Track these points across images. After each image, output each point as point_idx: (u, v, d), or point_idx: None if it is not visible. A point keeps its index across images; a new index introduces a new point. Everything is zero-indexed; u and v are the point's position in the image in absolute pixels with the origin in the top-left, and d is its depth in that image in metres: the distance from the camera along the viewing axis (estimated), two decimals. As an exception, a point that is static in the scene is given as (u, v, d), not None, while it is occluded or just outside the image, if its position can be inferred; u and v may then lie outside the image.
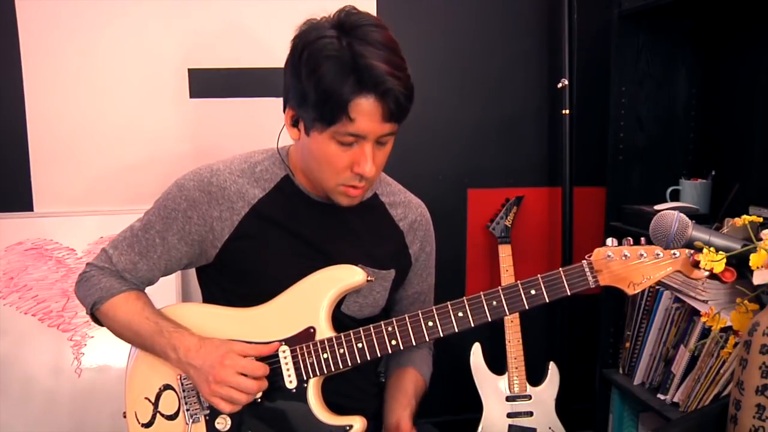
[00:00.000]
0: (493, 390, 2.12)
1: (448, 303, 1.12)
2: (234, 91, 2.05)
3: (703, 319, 1.36)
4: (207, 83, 2.06)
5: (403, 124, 2.23)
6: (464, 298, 1.11)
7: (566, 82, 2.14)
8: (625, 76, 1.96)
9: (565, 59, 2.15)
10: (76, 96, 2.00)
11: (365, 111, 1.04)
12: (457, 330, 1.11)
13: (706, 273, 1.04)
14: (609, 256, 1.07)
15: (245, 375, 1.09)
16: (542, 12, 2.24)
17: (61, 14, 1.95)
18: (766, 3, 1.69)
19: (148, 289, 1.28)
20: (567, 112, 2.16)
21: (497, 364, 2.15)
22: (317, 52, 1.04)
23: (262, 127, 2.05)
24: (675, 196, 1.94)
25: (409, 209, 1.31)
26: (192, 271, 1.31)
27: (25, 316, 1.95)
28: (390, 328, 1.13)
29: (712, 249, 1.01)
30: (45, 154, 2.01)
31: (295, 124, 1.14)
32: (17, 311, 1.95)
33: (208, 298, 1.28)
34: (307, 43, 1.06)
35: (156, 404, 1.18)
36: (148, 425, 1.18)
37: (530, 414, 2.10)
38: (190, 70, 2.05)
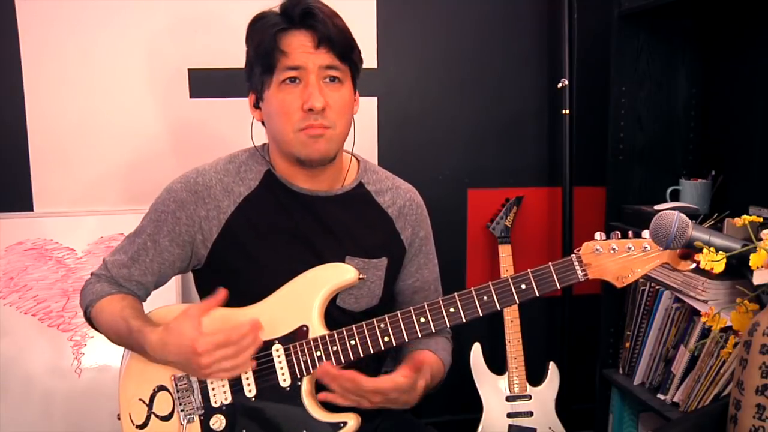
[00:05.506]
0: (493, 390, 2.12)
1: (440, 299, 1.13)
2: (234, 91, 2.05)
3: (703, 319, 1.36)
4: (207, 83, 2.05)
5: (404, 121, 2.21)
6: (455, 293, 1.12)
7: (566, 82, 2.14)
8: (625, 76, 1.96)
9: (565, 59, 2.15)
10: (75, 96, 2.00)
11: (295, 42, 1.12)
12: (448, 326, 1.13)
13: (693, 265, 1.06)
14: (597, 249, 1.10)
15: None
16: (542, 12, 2.24)
17: (61, 14, 1.95)
18: (766, 3, 1.69)
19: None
20: (567, 112, 2.16)
21: (497, 364, 2.14)
22: (254, 21, 1.18)
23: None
24: (675, 196, 1.93)
25: (397, 195, 1.31)
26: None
27: (25, 316, 1.95)
28: (382, 325, 1.14)
29: (712, 249, 1.01)
30: (45, 154, 2.01)
31: (256, 105, 1.21)
32: (17, 311, 1.95)
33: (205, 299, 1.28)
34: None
35: (150, 405, 1.18)
36: (142, 426, 1.18)
37: (530, 414, 2.10)
38: (190, 70, 2.04)
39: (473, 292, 1.11)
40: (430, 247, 1.37)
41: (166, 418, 1.17)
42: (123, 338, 1.19)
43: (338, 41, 1.13)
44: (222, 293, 1.11)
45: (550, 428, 2.10)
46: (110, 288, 1.23)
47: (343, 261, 1.22)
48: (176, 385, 1.17)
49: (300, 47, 1.12)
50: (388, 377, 1.11)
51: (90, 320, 1.26)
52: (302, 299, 1.17)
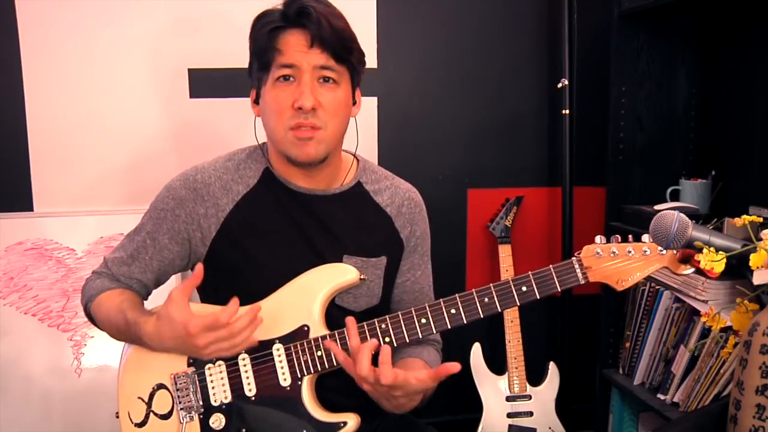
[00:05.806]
0: (493, 390, 2.12)
1: (441, 300, 1.13)
2: (234, 91, 2.05)
3: (703, 319, 1.36)
4: (207, 83, 2.05)
5: (404, 121, 2.21)
6: (456, 295, 1.12)
7: (566, 82, 2.14)
8: (625, 76, 1.96)
9: (565, 59, 2.15)
10: (75, 96, 2.00)
11: (291, 41, 1.13)
12: (449, 327, 1.13)
13: (692, 269, 1.06)
14: (598, 253, 1.10)
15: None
16: (542, 12, 2.24)
17: (61, 14, 1.95)
18: (766, 3, 1.69)
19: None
20: (567, 112, 2.16)
21: (497, 364, 2.14)
22: (257, 18, 1.18)
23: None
24: (675, 196, 1.93)
25: (395, 194, 1.31)
26: (192, 272, 1.32)
27: (25, 316, 1.95)
28: (383, 325, 1.14)
29: (712, 249, 1.01)
30: (45, 154, 2.01)
31: (256, 101, 1.22)
32: (17, 311, 1.95)
33: (205, 300, 1.28)
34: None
35: (149, 403, 1.18)
36: (141, 425, 1.18)
37: (530, 414, 2.10)
38: (190, 70, 2.04)
39: (474, 293, 1.12)
40: (425, 249, 1.36)
41: (166, 417, 1.17)
42: (122, 331, 1.19)
43: (332, 42, 1.13)
44: (200, 269, 1.08)
45: (550, 428, 2.10)
46: (110, 283, 1.24)
47: (341, 260, 1.22)
48: (176, 383, 1.17)
49: (295, 46, 1.13)
50: (403, 372, 1.05)
51: (90, 316, 1.26)
52: (303, 299, 1.17)
